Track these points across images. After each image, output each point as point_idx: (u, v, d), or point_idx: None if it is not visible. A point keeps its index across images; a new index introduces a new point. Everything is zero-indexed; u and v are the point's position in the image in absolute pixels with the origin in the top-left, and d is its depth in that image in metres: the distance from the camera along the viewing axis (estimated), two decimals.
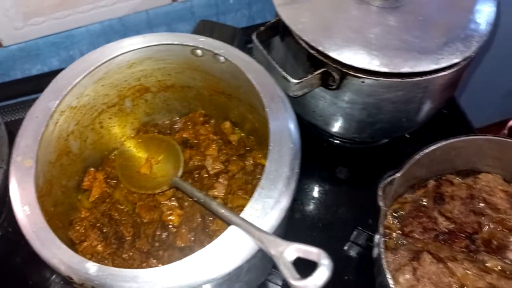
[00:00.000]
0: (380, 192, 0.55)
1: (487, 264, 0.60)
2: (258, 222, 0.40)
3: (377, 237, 0.54)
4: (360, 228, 0.69)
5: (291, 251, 0.33)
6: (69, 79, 0.50)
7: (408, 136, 0.79)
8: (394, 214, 0.64)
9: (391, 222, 0.64)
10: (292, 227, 0.72)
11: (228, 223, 0.40)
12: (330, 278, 0.64)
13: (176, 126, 0.67)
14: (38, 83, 0.82)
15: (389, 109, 0.62)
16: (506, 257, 0.60)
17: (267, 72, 0.51)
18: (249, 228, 0.37)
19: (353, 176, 0.78)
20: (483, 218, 0.62)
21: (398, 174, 0.57)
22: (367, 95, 0.59)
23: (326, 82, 0.59)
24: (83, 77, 0.51)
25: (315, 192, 0.77)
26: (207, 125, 0.67)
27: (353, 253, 0.70)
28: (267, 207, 0.41)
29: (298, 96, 0.59)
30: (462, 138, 0.59)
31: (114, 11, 0.84)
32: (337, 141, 0.80)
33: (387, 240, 0.62)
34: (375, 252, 0.57)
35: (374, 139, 0.72)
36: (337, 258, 0.68)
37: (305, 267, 0.35)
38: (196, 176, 0.64)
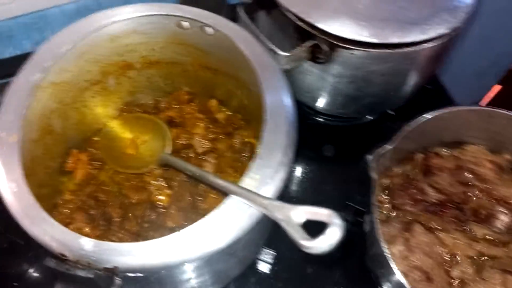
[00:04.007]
0: (373, 164, 0.55)
1: (475, 233, 0.61)
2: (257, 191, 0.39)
3: (370, 209, 0.54)
4: (349, 203, 0.69)
5: (299, 213, 0.33)
6: (52, 52, 0.48)
7: (393, 113, 0.80)
8: (383, 187, 0.64)
9: (381, 195, 0.64)
10: None
11: (226, 194, 0.39)
12: (320, 255, 0.65)
13: (160, 106, 0.65)
14: (10, 66, 0.79)
15: (378, 82, 0.62)
16: (494, 225, 0.61)
17: (259, 42, 0.50)
18: (251, 196, 0.36)
19: (339, 154, 0.78)
20: (471, 188, 0.63)
21: (390, 147, 0.57)
22: (356, 67, 0.59)
23: (314, 55, 0.58)
24: (67, 50, 0.48)
25: (302, 171, 0.76)
26: (193, 103, 0.65)
27: None
28: (266, 176, 0.40)
29: (287, 70, 0.58)
30: (449, 109, 0.60)
31: None
32: (323, 119, 0.80)
33: (378, 213, 0.62)
34: (367, 224, 0.57)
35: (360, 115, 0.72)
36: None
37: None
38: (184, 155, 0.62)
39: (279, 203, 0.34)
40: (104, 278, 0.38)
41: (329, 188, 0.75)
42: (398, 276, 0.50)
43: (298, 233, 0.31)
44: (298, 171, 0.76)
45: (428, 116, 0.59)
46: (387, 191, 0.64)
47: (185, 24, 0.52)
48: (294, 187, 0.74)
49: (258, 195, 0.36)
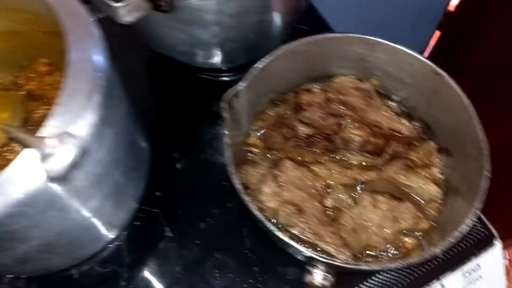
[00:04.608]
0: (223, 104, 0.54)
1: (348, 161, 0.61)
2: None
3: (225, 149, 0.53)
4: None
5: (46, 144, 0.32)
6: None
7: None
8: (257, 130, 0.64)
9: (255, 138, 0.63)
10: (173, 168, 0.71)
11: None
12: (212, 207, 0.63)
13: (20, 81, 0.63)
14: None
15: (231, 24, 0.60)
16: (365, 151, 0.61)
17: None
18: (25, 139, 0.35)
19: None
20: (341, 119, 0.63)
21: (243, 85, 0.56)
22: (201, 11, 0.57)
23: (155, 2, 0.57)
24: None
25: (195, 129, 0.75)
26: (53, 74, 0.63)
27: None
28: (68, 123, 0.39)
29: (130, 22, 0.56)
30: (303, 40, 0.59)
31: None
32: (210, 76, 0.79)
33: (252, 156, 0.62)
34: None
35: (234, 64, 0.71)
36: (222, 187, 0.69)
37: None
38: None
39: (34, 138, 0.34)
40: None
41: (219, 143, 0.74)
42: (250, 206, 0.49)
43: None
44: (188, 127, 0.75)
45: (280, 50, 0.58)
46: (261, 134, 0.63)
47: None
48: (186, 147, 0.73)
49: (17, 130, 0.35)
